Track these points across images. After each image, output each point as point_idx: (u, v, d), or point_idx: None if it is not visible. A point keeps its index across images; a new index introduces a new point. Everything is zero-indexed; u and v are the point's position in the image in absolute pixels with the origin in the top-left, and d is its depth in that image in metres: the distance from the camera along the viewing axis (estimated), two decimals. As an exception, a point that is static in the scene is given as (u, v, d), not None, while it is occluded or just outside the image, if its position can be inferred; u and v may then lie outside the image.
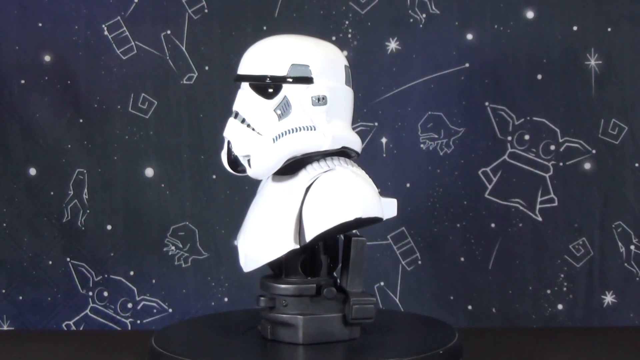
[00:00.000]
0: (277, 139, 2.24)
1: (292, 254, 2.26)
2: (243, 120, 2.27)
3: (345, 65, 2.32)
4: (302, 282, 2.29)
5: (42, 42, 3.14)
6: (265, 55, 2.28)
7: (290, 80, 2.24)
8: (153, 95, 3.15)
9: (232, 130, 2.29)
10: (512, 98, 3.13)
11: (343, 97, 2.29)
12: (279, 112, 2.25)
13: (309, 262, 2.30)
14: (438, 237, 3.15)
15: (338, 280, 2.34)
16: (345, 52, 3.10)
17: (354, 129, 3.07)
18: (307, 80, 2.25)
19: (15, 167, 3.16)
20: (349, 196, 2.20)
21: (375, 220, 2.25)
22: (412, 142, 3.14)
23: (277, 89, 2.25)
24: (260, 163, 2.26)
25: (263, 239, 2.27)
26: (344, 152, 2.31)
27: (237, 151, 2.29)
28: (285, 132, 2.24)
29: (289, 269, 2.31)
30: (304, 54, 2.27)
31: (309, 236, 2.20)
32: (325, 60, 2.28)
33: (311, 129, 2.25)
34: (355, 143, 2.32)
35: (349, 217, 2.19)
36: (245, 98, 2.28)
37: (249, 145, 2.27)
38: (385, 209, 2.28)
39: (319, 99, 2.25)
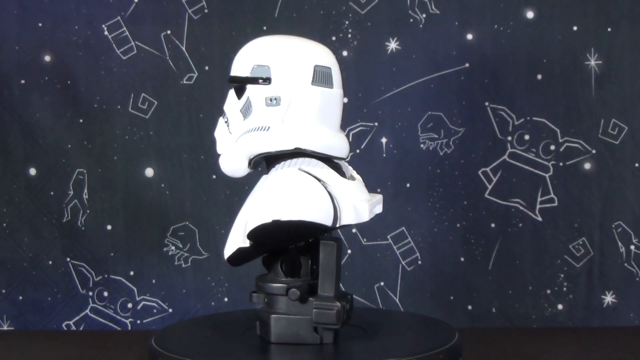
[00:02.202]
0: (238, 139, 2.29)
1: (272, 253, 2.29)
2: (226, 120, 2.33)
3: (317, 66, 2.26)
4: (276, 282, 2.29)
5: (42, 42, 3.14)
6: (238, 57, 2.31)
7: (250, 80, 2.26)
8: (153, 95, 3.15)
9: (217, 130, 2.35)
10: (512, 98, 3.13)
11: (308, 98, 2.25)
12: (243, 112, 2.29)
13: (288, 263, 2.30)
14: (438, 237, 3.15)
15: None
16: (345, 52, 3.11)
17: (353, 129, 3.11)
18: (265, 80, 2.25)
19: (15, 167, 3.16)
20: (269, 198, 2.20)
21: (321, 227, 2.19)
22: (412, 142, 3.14)
23: (245, 90, 2.29)
24: (224, 162, 2.32)
25: (229, 235, 2.30)
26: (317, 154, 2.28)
27: (217, 149, 2.34)
28: (245, 132, 2.28)
29: (272, 268, 2.32)
30: (265, 54, 2.27)
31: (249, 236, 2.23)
32: (287, 60, 2.26)
33: (264, 129, 2.25)
34: (317, 144, 2.25)
35: (266, 219, 2.17)
36: (229, 98, 2.33)
37: (223, 144, 2.33)
38: (351, 214, 2.22)
39: (271, 100, 2.25)
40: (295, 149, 2.24)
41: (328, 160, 2.28)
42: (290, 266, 2.30)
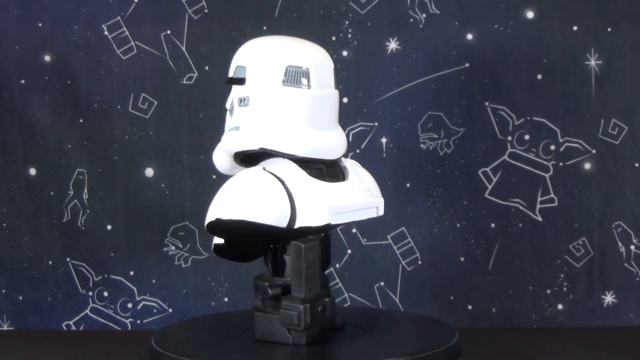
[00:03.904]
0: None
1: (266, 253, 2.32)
2: None
3: (290, 66, 2.26)
4: (262, 279, 2.31)
5: (42, 42, 3.14)
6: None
7: (232, 81, 2.31)
8: (153, 95, 3.15)
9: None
10: (512, 98, 3.12)
11: (277, 99, 2.26)
12: (230, 111, 2.33)
13: (272, 262, 2.30)
14: (438, 237, 3.15)
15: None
16: (345, 52, 3.11)
17: (353, 129, 3.11)
18: (240, 81, 2.29)
19: (15, 167, 3.16)
20: (217, 197, 2.23)
21: (270, 228, 2.19)
22: (412, 142, 3.14)
23: (232, 90, 2.33)
24: (213, 158, 2.38)
25: None
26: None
27: None
28: (227, 130, 2.33)
29: (267, 266, 2.33)
30: (244, 55, 2.31)
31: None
32: (259, 61, 2.28)
33: (236, 129, 2.30)
34: (284, 145, 2.25)
35: (212, 217, 2.21)
36: None
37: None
38: (310, 216, 2.21)
39: (241, 100, 2.28)
40: (260, 149, 2.26)
41: (308, 160, 2.26)
42: (274, 265, 2.31)
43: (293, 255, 2.22)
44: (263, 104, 2.26)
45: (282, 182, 2.21)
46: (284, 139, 2.25)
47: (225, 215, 2.19)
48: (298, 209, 2.21)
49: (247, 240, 2.29)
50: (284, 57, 2.28)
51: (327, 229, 2.30)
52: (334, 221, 2.23)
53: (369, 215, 2.33)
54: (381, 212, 2.34)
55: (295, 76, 2.27)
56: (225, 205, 2.20)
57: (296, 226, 2.21)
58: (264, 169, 2.24)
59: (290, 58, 2.27)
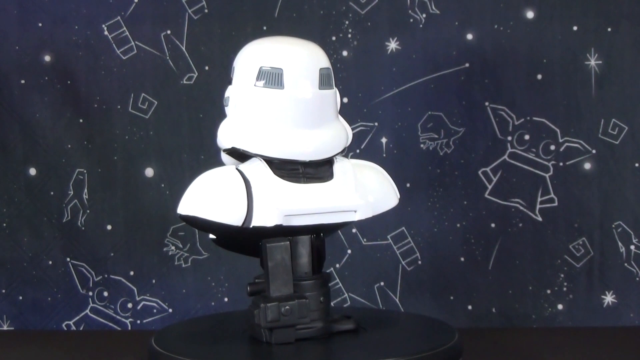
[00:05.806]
0: None
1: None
2: None
3: (263, 67, 2.26)
4: (258, 278, 2.33)
5: (42, 42, 3.14)
6: None
7: (228, 81, 2.35)
8: (153, 95, 3.15)
9: None
10: (512, 98, 3.13)
11: (250, 99, 2.27)
12: None
13: (260, 260, 2.32)
14: (438, 237, 3.15)
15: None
16: (345, 52, 3.11)
17: (353, 129, 3.10)
18: (230, 81, 2.33)
19: (15, 167, 3.17)
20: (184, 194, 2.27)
21: (223, 225, 2.21)
22: (412, 142, 3.14)
23: None
24: (221, 156, 2.41)
25: None
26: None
27: None
28: None
29: None
30: (236, 57, 2.34)
31: None
32: (240, 62, 2.31)
33: (219, 128, 2.34)
34: (253, 145, 2.26)
35: (178, 213, 2.27)
36: None
37: None
38: (263, 217, 2.21)
39: (225, 100, 2.34)
40: (232, 148, 2.29)
41: (287, 161, 2.26)
42: (260, 263, 2.32)
43: (262, 254, 2.25)
44: (237, 104, 2.30)
45: (247, 181, 2.22)
46: (254, 139, 2.27)
47: (184, 211, 2.26)
48: (255, 209, 2.22)
49: (220, 235, 2.35)
50: (258, 58, 2.29)
51: (321, 230, 2.30)
52: (286, 223, 2.22)
53: (343, 218, 2.29)
54: (361, 217, 2.30)
55: (268, 77, 2.26)
56: (184, 201, 2.26)
57: (251, 226, 2.22)
58: (236, 167, 2.27)
59: (264, 59, 2.28)
